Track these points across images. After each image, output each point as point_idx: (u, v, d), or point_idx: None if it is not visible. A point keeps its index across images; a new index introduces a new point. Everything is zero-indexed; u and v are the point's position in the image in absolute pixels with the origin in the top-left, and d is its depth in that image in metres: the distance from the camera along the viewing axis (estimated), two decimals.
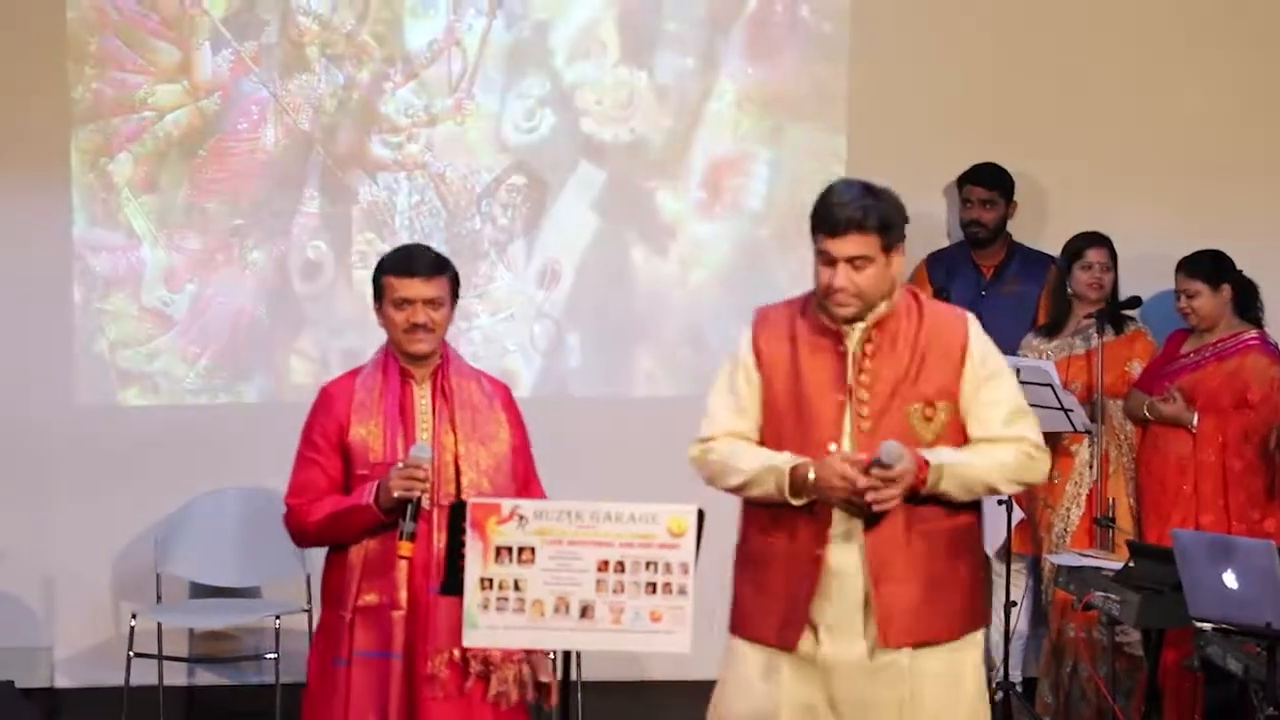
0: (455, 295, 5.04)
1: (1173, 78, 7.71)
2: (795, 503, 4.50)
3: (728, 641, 4.72)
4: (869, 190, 4.52)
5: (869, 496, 4.41)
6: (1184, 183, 7.67)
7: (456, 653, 4.88)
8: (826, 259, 4.50)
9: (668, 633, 4.32)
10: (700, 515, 4.42)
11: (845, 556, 4.51)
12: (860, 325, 4.54)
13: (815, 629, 4.55)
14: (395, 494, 4.80)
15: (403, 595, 4.91)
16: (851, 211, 4.46)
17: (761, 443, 4.61)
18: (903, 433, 4.48)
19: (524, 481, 5.10)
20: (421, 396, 5.01)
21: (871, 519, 4.47)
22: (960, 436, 4.56)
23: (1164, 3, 7.75)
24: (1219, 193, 7.63)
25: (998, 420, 4.55)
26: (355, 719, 4.93)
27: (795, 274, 7.42)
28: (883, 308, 4.54)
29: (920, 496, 4.48)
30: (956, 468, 4.48)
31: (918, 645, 4.54)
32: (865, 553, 4.51)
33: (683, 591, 4.31)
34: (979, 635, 4.69)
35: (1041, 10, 7.73)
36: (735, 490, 4.63)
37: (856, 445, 4.48)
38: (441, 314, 4.97)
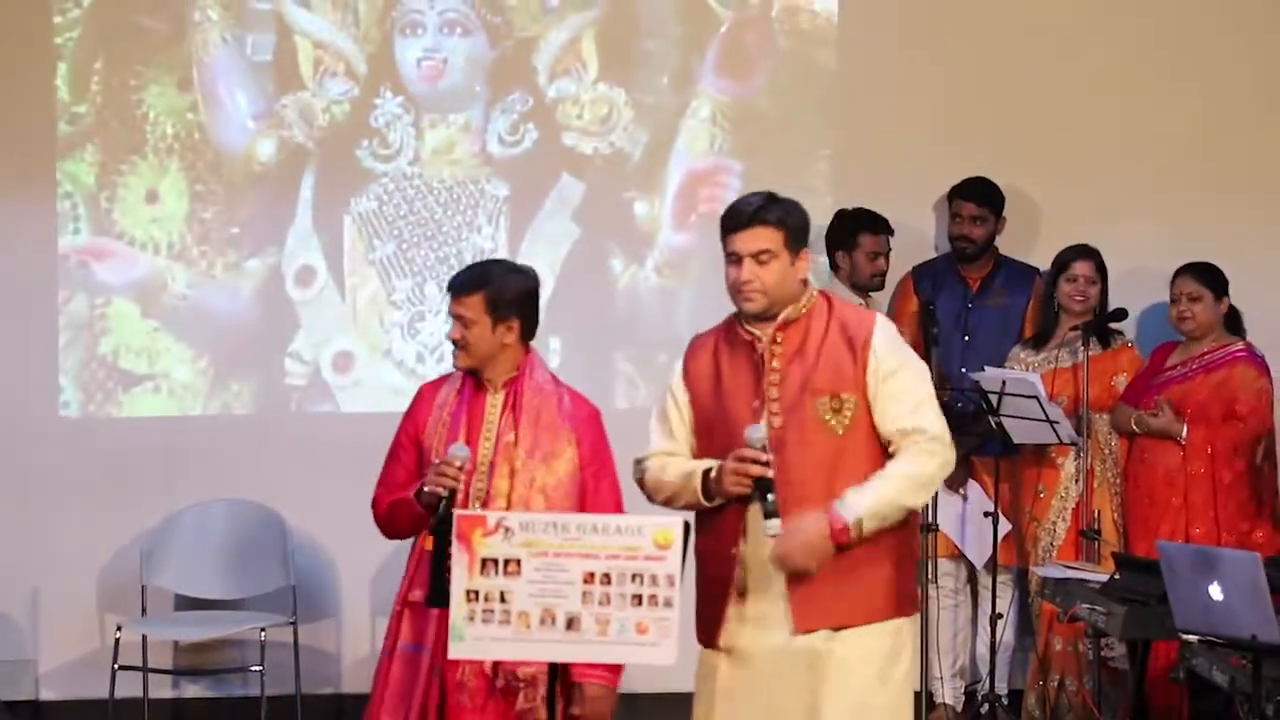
0: (500, 309, 5.03)
1: (1166, 93, 7.72)
2: (710, 504, 4.66)
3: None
4: (772, 196, 4.74)
5: (750, 471, 4.52)
6: (1177, 199, 7.68)
7: (487, 663, 4.89)
8: (734, 258, 4.69)
9: (653, 645, 4.32)
10: (687, 528, 4.43)
11: (762, 549, 4.59)
12: (772, 328, 4.69)
13: (739, 623, 4.67)
14: (424, 489, 4.87)
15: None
16: (752, 208, 4.69)
17: (695, 458, 4.75)
18: (814, 425, 4.63)
19: (589, 504, 5.04)
20: (493, 406, 5.06)
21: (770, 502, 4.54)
22: (873, 429, 4.66)
23: (1156, 18, 7.75)
24: (1212, 209, 7.64)
25: (901, 412, 4.65)
26: (390, 708, 4.99)
27: None
28: (792, 310, 4.70)
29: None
30: (873, 512, 4.57)
31: (834, 629, 4.62)
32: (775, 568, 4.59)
33: (668, 604, 4.31)
34: (903, 623, 4.74)
35: (1031, 25, 7.75)
36: (667, 503, 4.77)
37: (776, 443, 4.59)
38: (476, 331, 5.01)
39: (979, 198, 7.50)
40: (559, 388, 5.14)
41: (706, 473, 4.66)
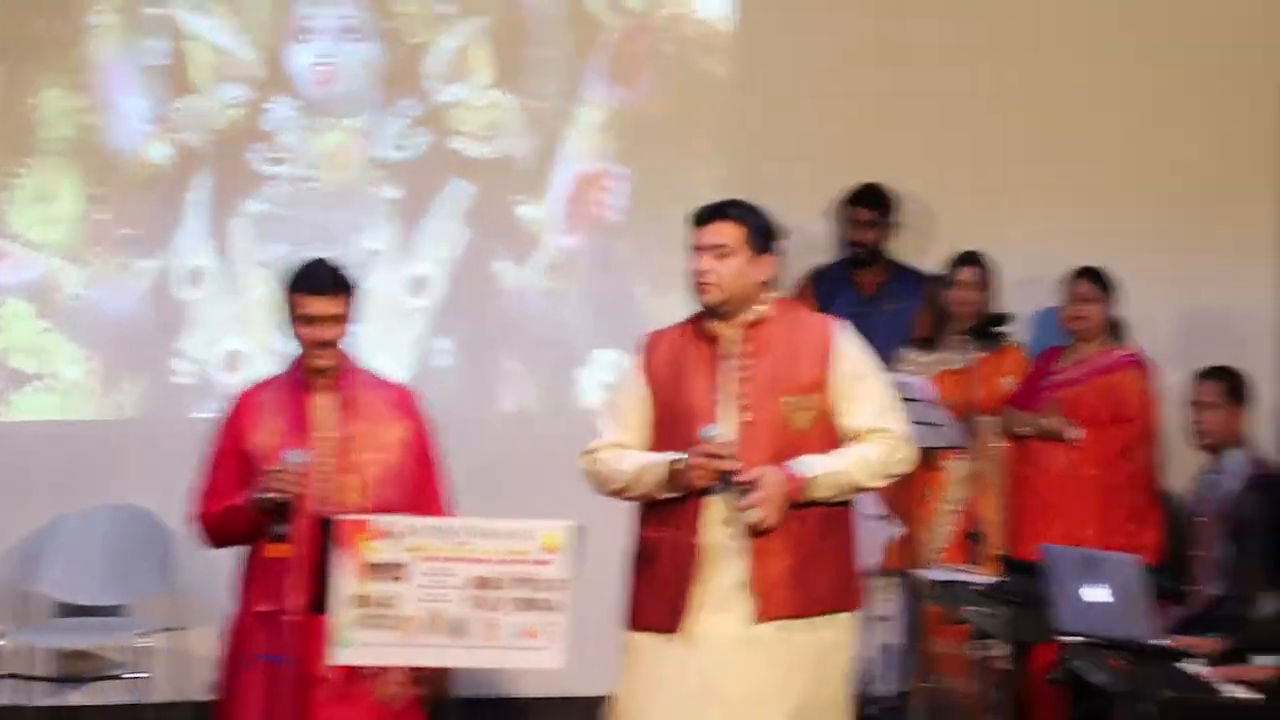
0: (355, 308, 5.13)
1: (1060, 102, 7.77)
2: (671, 495, 4.74)
3: (624, 638, 4.85)
4: (741, 200, 4.92)
5: (714, 465, 4.64)
6: (1065, 205, 7.74)
7: None
8: (696, 251, 4.83)
9: (542, 648, 4.33)
10: (578, 531, 4.43)
11: (724, 539, 4.71)
12: (736, 328, 4.82)
13: (698, 610, 4.72)
14: (263, 494, 4.86)
15: (294, 599, 4.90)
16: (716, 205, 4.88)
17: (653, 450, 4.83)
18: (781, 423, 4.75)
19: (419, 489, 5.11)
20: (321, 406, 5.08)
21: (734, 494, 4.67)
22: (833, 428, 4.81)
23: (1047, 30, 7.82)
24: (1098, 216, 7.71)
25: (866, 414, 4.81)
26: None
27: (654, 285, 7.55)
28: (755, 311, 4.83)
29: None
30: (828, 476, 4.73)
31: (792, 618, 4.72)
32: (743, 532, 4.70)
33: (557, 607, 4.32)
34: (849, 618, 4.87)
35: (925, 33, 7.78)
36: (618, 493, 4.86)
37: (742, 439, 4.71)
38: (343, 329, 5.08)
39: (872, 203, 7.55)
40: (381, 379, 5.21)
41: (672, 463, 4.73)
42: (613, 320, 7.64)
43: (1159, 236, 7.66)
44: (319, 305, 5.03)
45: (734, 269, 4.80)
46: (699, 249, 4.82)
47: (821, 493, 4.73)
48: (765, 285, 4.86)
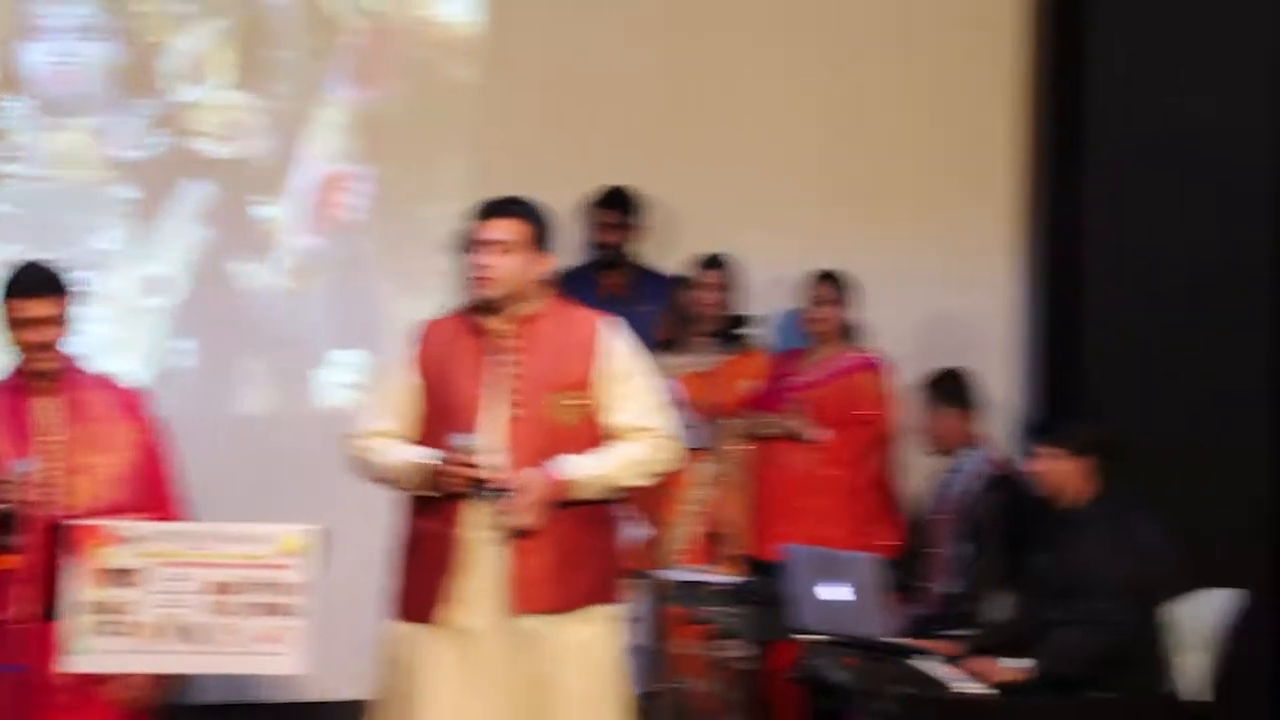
0: (72, 307, 5.01)
1: (801, 105, 7.87)
2: (435, 494, 4.79)
3: (386, 628, 4.89)
4: (523, 198, 5.00)
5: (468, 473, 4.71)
6: (807, 210, 7.82)
7: None
8: (477, 246, 4.90)
9: (282, 654, 4.28)
10: (319, 535, 4.39)
11: (485, 533, 4.77)
12: (508, 323, 4.90)
13: (458, 602, 4.78)
14: None
15: (23, 608, 4.77)
16: (501, 201, 4.95)
17: (421, 441, 4.88)
18: (548, 419, 4.83)
19: (152, 492, 5.01)
20: (43, 409, 4.96)
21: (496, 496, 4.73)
22: (600, 426, 4.90)
23: (793, 36, 7.89)
24: (839, 220, 7.80)
25: (633, 411, 4.91)
26: None
27: (397, 286, 7.54)
28: (529, 306, 4.91)
29: None
30: (591, 476, 4.82)
31: (552, 613, 4.78)
32: (503, 531, 4.75)
33: (296, 612, 4.27)
34: (611, 612, 4.96)
35: (671, 40, 7.81)
36: (383, 482, 4.94)
37: (511, 435, 4.80)
38: (59, 330, 4.96)
39: (618, 205, 7.58)
40: (107, 381, 5.12)
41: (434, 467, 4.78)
42: (355, 321, 7.59)
43: (898, 239, 7.76)
44: (35, 308, 4.91)
45: (514, 265, 4.86)
46: (481, 244, 4.87)
47: (584, 492, 4.80)
48: (540, 283, 4.94)
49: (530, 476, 4.73)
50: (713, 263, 7.29)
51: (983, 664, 5.61)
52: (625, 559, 6.76)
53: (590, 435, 4.87)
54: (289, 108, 7.69)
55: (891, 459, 7.17)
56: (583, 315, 5.03)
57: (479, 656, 4.78)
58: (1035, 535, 6.49)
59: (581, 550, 4.84)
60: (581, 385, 4.86)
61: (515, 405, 4.83)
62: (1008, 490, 6.44)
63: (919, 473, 7.04)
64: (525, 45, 7.76)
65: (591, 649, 4.88)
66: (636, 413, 4.90)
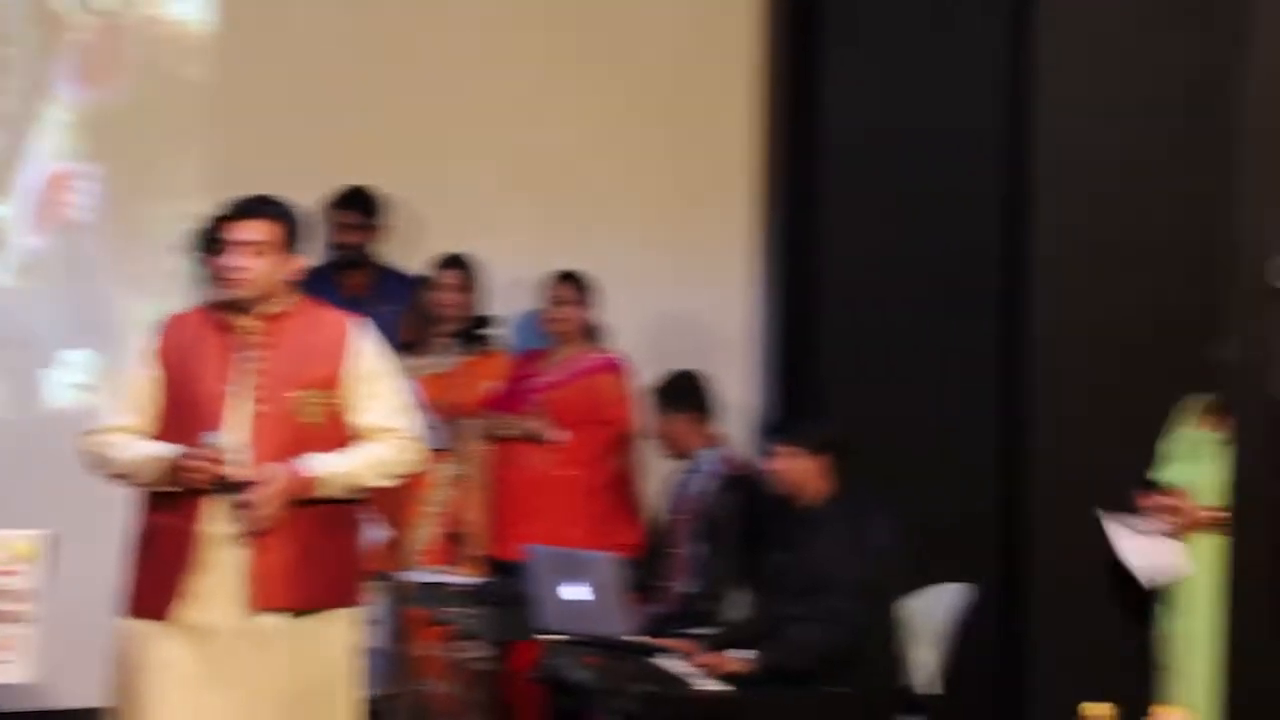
0: None
1: (544, 104, 7.86)
2: (176, 489, 4.78)
3: (119, 626, 4.83)
4: (275, 198, 5.03)
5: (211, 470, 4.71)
6: (548, 211, 7.84)
7: None
8: (227, 246, 4.90)
9: (11, 662, 4.18)
10: (50, 540, 4.30)
11: (224, 529, 4.76)
12: (255, 320, 4.90)
13: (195, 599, 4.75)
14: None
15: None
16: (253, 201, 4.98)
17: (161, 436, 4.86)
18: (292, 417, 4.85)
19: None
20: None
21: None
22: (344, 425, 4.92)
23: (530, 38, 7.88)
24: (579, 221, 7.83)
25: (378, 412, 4.93)
26: None
27: (127, 285, 7.46)
28: (277, 304, 4.93)
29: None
30: (334, 474, 4.84)
31: (290, 611, 4.78)
32: (243, 527, 4.75)
33: (27, 619, 4.18)
34: (350, 614, 4.97)
35: (410, 39, 7.76)
36: (119, 478, 4.90)
37: (255, 431, 4.81)
38: None
39: (357, 206, 7.51)
40: None
41: (175, 461, 4.76)
42: (84, 321, 7.43)
43: (637, 240, 7.80)
44: None
45: (266, 266, 4.87)
46: (232, 244, 4.87)
47: (327, 490, 4.82)
48: (289, 283, 4.96)
49: (273, 470, 4.74)
50: (453, 263, 7.27)
51: (711, 657, 5.68)
52: (366, 561, 6.75)
53: (336, 435, 4.87)
54: (15, 106, 7.53)
55: (631, 460, 7.22)
56: (332, 316, 5.05)
57: (216, 654, 4.75)
58: (773, 534, 6.58)
59: (322, 549, 4.85)
60: (328, 384, 4.87)
61: (260, 402, 4.82)
62: (744, 490, 6.51)
63: (659, 473, 7.09)
64: (257, 44, 7.66)
65: (328, 649, 4.88)
66: (382, 414, 4.92)
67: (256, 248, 4.86)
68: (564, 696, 6.13)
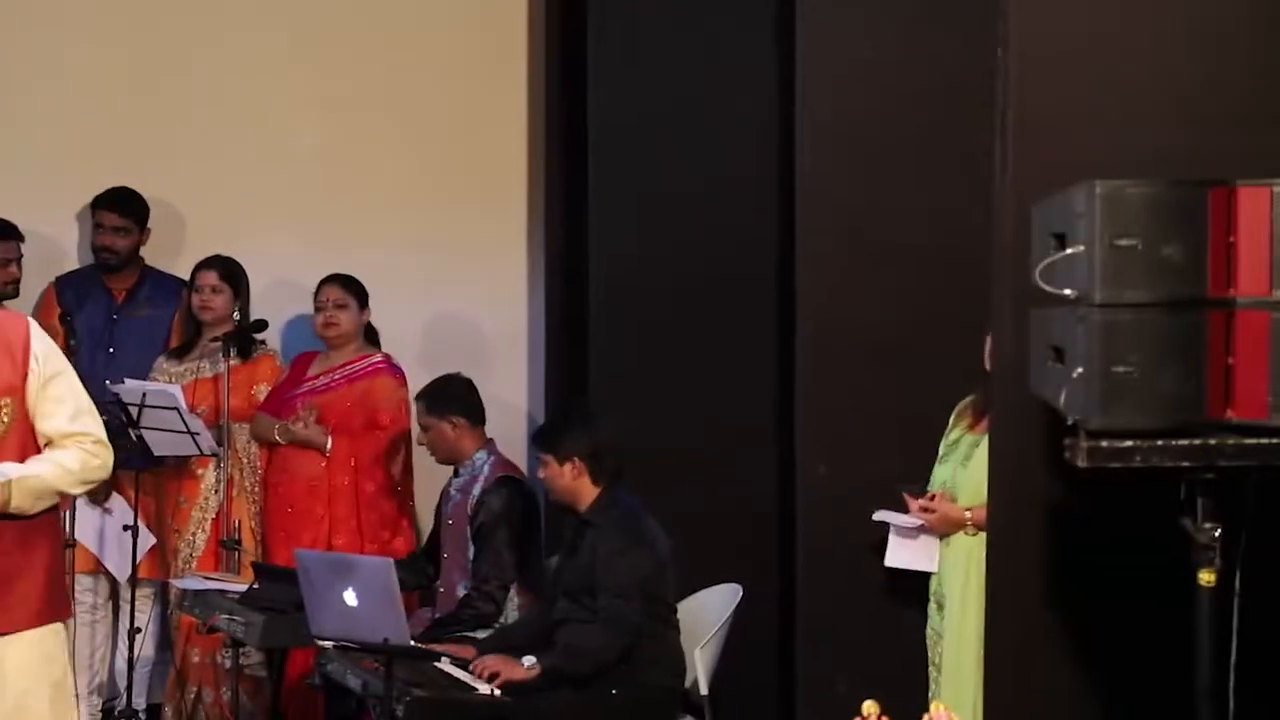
0: None
1: (313, 104, 7.78)
2: None
3: None
4: None
5: None
6: (315, 213, 7.77)
7: None
8: None
9: None
10: None
11: None
12: None
13: None
14: None
15: None
16: None
17: None
18: None
19: None
20: None
21: None
22: (30, 434, 4.65)
23: (299, 34, 7.80)
24: (347, 224, 7.77)
25: (63, 417, 4.66)
26: None
27: None
28: None
29: None
30: (25, 481, 4.55)
31: None
32: None
33: None
34: (59, 627, 4.71)
35: (173, 39, 7.65)
36: None
37: None
38: None
39: (121, 207, 7.38)
40: None
41: None
42: None
43: (409, 242, 7.77)
44: None
45: None
46: None
47: (18, 501, 4.54)
48: None
49: None
50: (212, 264, 7.17)
51: (493, 663, 5.66)
52: (128, 569, 6.64)
53: (14, 444, 4.61)
54: None
55: (405, 464, 7.17)
56: (10, 317, 4.80)
57: None
58: (547, 537, 6.58)
59: (17, 568, 4.60)
60: (8, 391, 4.60)
61: None
62: (517, 492, 6.50)
63: (432, 477, 7.05)
64: (24, 42, 7.49)
65: (33, 669, 4.62)
66: (67, 418, 4.66)
67: None
68: (338, 702, 6.08)
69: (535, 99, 7.98)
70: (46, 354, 4.69)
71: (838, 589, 5.55)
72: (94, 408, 4.77)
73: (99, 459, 4.70)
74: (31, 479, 4.57)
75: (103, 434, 4.74)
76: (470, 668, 5.68)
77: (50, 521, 4.73)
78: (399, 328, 7.42)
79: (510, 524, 6.41)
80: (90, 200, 7.41)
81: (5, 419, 4.61)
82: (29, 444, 4.64)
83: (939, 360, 5.42)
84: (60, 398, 4.67)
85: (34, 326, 4.73)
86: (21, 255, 7.23)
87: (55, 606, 4.71)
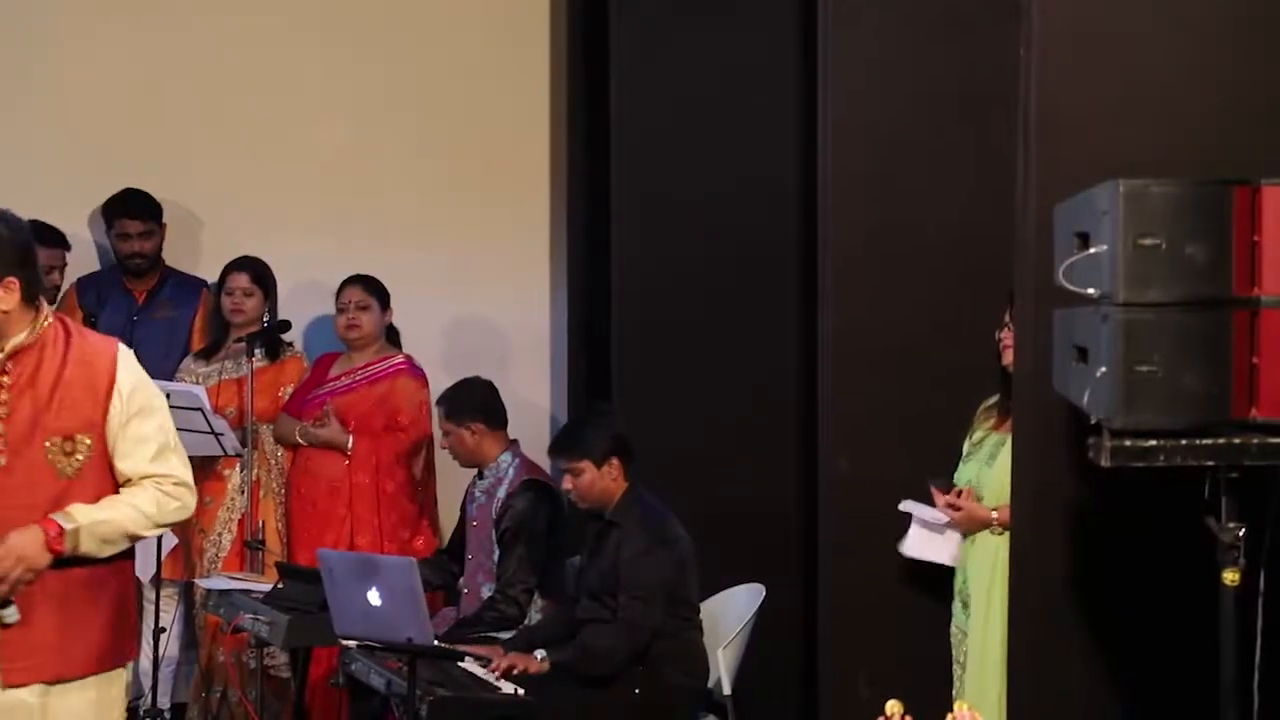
0: None
1: (333, 112, 7.80)
2: None
3: None
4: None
5: None
6: (338, 214, 7.79)
7: None
8: None
9: None
10: None
11: None
12: None
13: None
14: None
15: None
16: None
17: None
18: (43, 468, 4.32)
19: None
20: None
21: None
22: (108, 471, 4.42)
23: (325, 37, 7.82)
24: (369, 225, 7.79)
25: (145, 457, 4.42)
26: None
27: None
28: (22, 337, 4.35)
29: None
30: (95, 527, 4.34)
31: (49, 683, 4.36)
32: None
33: None
34: (121, 672, 4.56)
35: (188, 39, 7.69)
36: None
37: None
38: None
39: (141, 213, 7.38)
40: None
41: None
42: None
43: (432, 243, 7.80)
44: None
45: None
46: None
47: (87, 545, 4.32)
48: (22, 310, 4.34)
49: (14, 538, 4.24)
50: (243, 265, 7.19)
51: (511, 660, 5.68)
52: (153, 569, 6.65)
53: (97, 484, 4.38)
54: None
55: (426, 464, 7.18)
56: (90, 347, 4.44)
57: None
58: (570, 538, 6.59)
59: (84, 615, 4.39)
60: (87, 428, 4.35)
61: (3, 451, 4.30)
62: (539, 496, 6.50)
63: (455, 477, 7.06)
64: (26, 49, 7.51)
65: (96, 714, 4.44)
66: (148, 456, 4.40)
67: None
68: (362, 702, 6.09)
69: (557, 101, 7.99)
70: (134, 389, 4.42)
71: (860, 589, 5.54)
72: (181, 446, 4.52)
73: (178, 500, 4.45)
74: (102, 524, 4.34)
75: (187, 475, 4.48)
76: (491, 667, 5.69)
77: (121, 566, 4.51)
78: (421, 329, 7.44)
79: (535, 528, 6.42)
80: (104, 205, 7.41)
81: (80, 457, 4.35)
82: (106, 483, 4.41)
83: (961, 360, 5.40)
84: (143, 437, 4.41)
85: (123, 357, 4.44)
86: (66, 264, 7.26)
87: (118, 652, 4.52)
